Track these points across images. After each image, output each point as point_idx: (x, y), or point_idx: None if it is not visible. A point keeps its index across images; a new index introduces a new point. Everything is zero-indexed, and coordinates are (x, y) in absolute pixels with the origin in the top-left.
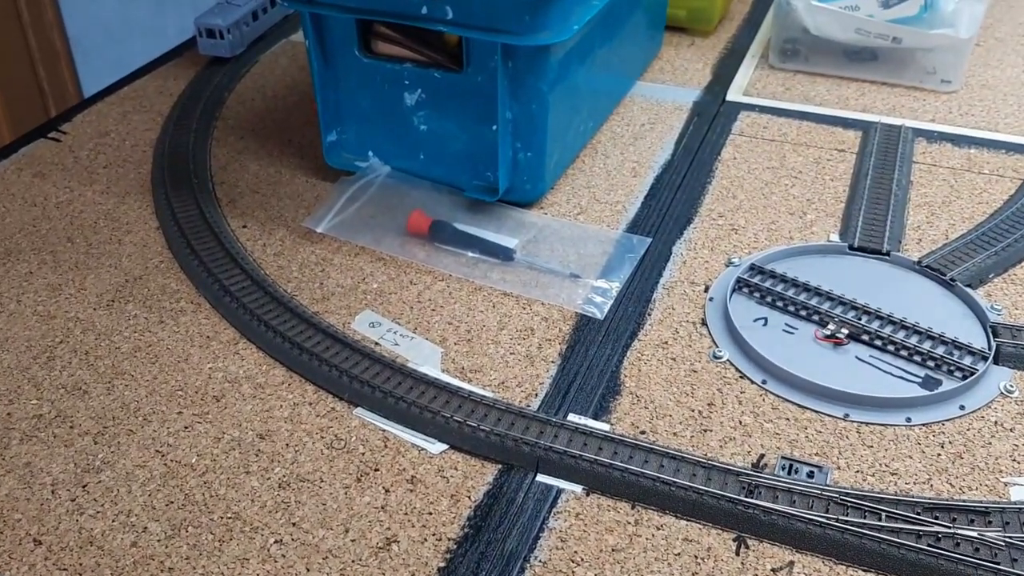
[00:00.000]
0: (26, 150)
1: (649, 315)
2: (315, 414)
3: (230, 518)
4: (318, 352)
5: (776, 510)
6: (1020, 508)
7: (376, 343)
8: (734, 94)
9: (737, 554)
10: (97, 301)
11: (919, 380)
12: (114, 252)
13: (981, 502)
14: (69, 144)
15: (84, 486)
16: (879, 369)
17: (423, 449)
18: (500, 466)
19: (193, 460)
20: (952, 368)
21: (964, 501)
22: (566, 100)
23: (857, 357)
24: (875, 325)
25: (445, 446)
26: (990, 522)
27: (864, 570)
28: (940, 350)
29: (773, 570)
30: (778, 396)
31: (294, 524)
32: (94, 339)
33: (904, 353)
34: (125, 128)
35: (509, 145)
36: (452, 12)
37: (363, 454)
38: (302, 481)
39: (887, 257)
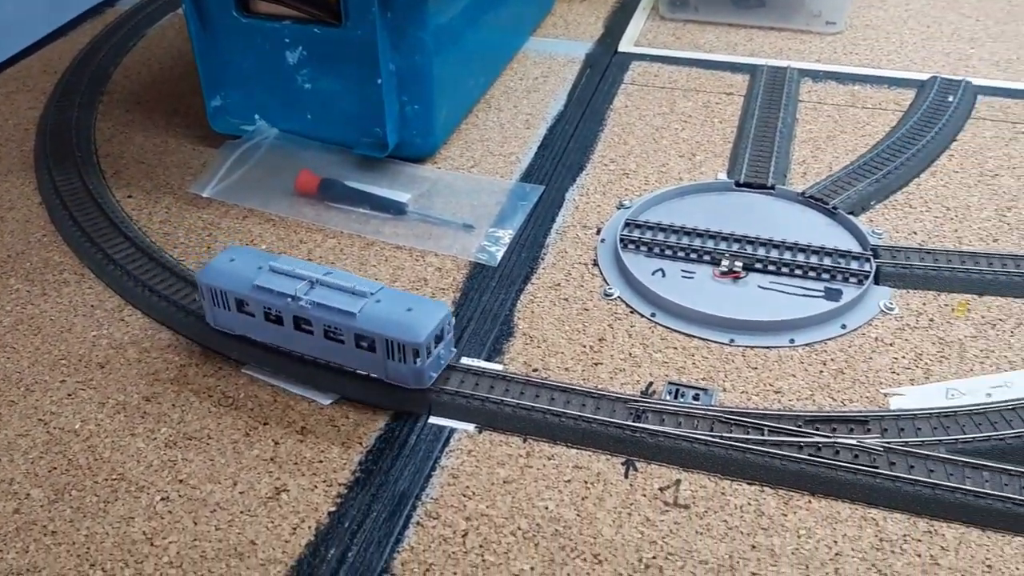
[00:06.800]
0: None
1: (542, 259)
2: (203, 374)
3: (115, 479)
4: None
5: (662, 432)
6: (898, 416)
7: None
8: (626, 45)
9: (626, 476)
10: None
11: (822, 294)
12: None
13: (861, 413)
14: None
15: None
16: (782, 292)
17: (313, 401)
18: (392, 413)
19: (77, 426)
20: (846, 275)
21: (844, 413)
22: (453, 53)
23: (759, 286)
24: (765, 252)
25: (336, 396)
26: (869, 430)
27: (748, 483)
28: (828, 261)
29: (660, 489)
30: (667, 327)
31: (181, 481)
32: None
33: (799, 272)
34: (8, 108)
35: (395, 99)
36: None
37: (252, 410)
38: (189, 439)
39: (772, 191)
